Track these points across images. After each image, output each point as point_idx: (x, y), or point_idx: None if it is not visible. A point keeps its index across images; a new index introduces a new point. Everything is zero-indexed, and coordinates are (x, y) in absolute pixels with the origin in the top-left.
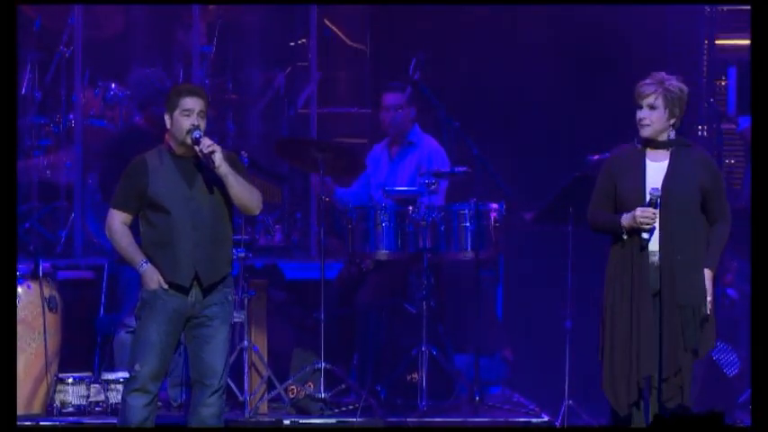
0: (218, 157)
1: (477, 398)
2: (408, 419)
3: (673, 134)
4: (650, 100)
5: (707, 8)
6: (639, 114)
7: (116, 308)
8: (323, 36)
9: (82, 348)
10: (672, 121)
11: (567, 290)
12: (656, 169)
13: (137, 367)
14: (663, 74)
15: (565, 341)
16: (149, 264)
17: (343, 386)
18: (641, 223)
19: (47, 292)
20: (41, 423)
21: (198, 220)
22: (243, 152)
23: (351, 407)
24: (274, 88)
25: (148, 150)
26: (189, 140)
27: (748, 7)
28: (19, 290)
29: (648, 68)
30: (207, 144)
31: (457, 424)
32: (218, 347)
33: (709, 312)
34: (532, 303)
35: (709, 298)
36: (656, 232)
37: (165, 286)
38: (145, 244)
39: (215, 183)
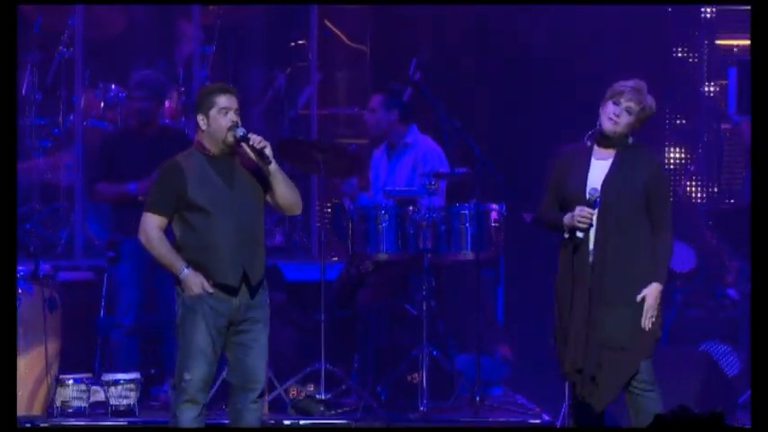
0: (270, 152)
1: (478, 398)
2: (409, 420)
3: (630, 140)
4: (631, 104)
5: (707, 8)
6: (614, 110)
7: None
8: (323, 37)
9: (82, 349)
10: (631, 130)
11: None
12: (599, 167)
13: (186, 376)
14: (642, 84)
15: None
16: (190, 268)
17: (344, 387)
18: (578, 222)
19: (47, 292)
20: (42, 424)
21: (241, 220)
22: None
23: (351, 408)
24: (275, 89)
25: (135, 150)
26: (230, 139)
27: (748, 7)
28: (19, 291)
29: (649, 69)
30: (258, 139)
31: (457, 424)
32: (262, 352)
33: (649, 326)
34: (533, 304)
35: (651, 312)
36: (593, 230)
37: (210, 290)
38: (184, 248)
39: (251, 183)
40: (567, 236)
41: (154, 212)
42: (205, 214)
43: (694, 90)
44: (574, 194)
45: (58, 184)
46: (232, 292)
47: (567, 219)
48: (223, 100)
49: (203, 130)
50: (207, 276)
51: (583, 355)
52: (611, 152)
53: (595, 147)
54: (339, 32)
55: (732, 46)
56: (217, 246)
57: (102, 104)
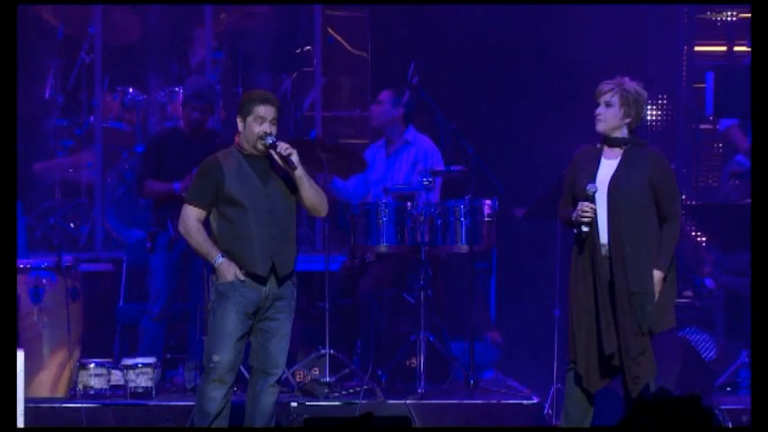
0: (296, 159)
1: (472, 382)
2: (407, 401)
3: (625, 132)
4: (607, 97)
5: (686, 17)
6: (596, 110)
7: (142, 296)
8: (327, 43)
9: (103, 336)
10: (626, 120)
11: (556, 280)
12: (608, 166)
13: (215, 358)
14: (625, 78)
15: (554, 328)
16: (225, 257)
17: (347, 371)
18: (580, 216)
19: (69, 283)
20: (65, 405)
21: (273, 215)
22: None
23: (354, 390)
24: (281, 92)
25: (185, 152)
26: (260, 146)
27: (730, 15)
28: (44, 281)
29: (632, 73)
30: (284, 147)
31: (453, 406)
32: (284, 340)
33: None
34: (523, 293)
35: (657, 297)
36: (605, 226)
37: (242, 278)
38: (220, 238)
39: (285, 182)
40: (576, 231)
41: (193, 205)
42: (240, 208)
43: (674, 93)
44: (584, 193)
45: (79, 182)
46: (261, 281)
47: (573, 215)
48: (261, 110)
49: (240, 132)
50: (239, 266)
51: (611, 341)
52: (618, 151)
53: (605, 147)
54: (342, 40)
55: (709, 52)
56: (249, 237)
57: (121, 107)
